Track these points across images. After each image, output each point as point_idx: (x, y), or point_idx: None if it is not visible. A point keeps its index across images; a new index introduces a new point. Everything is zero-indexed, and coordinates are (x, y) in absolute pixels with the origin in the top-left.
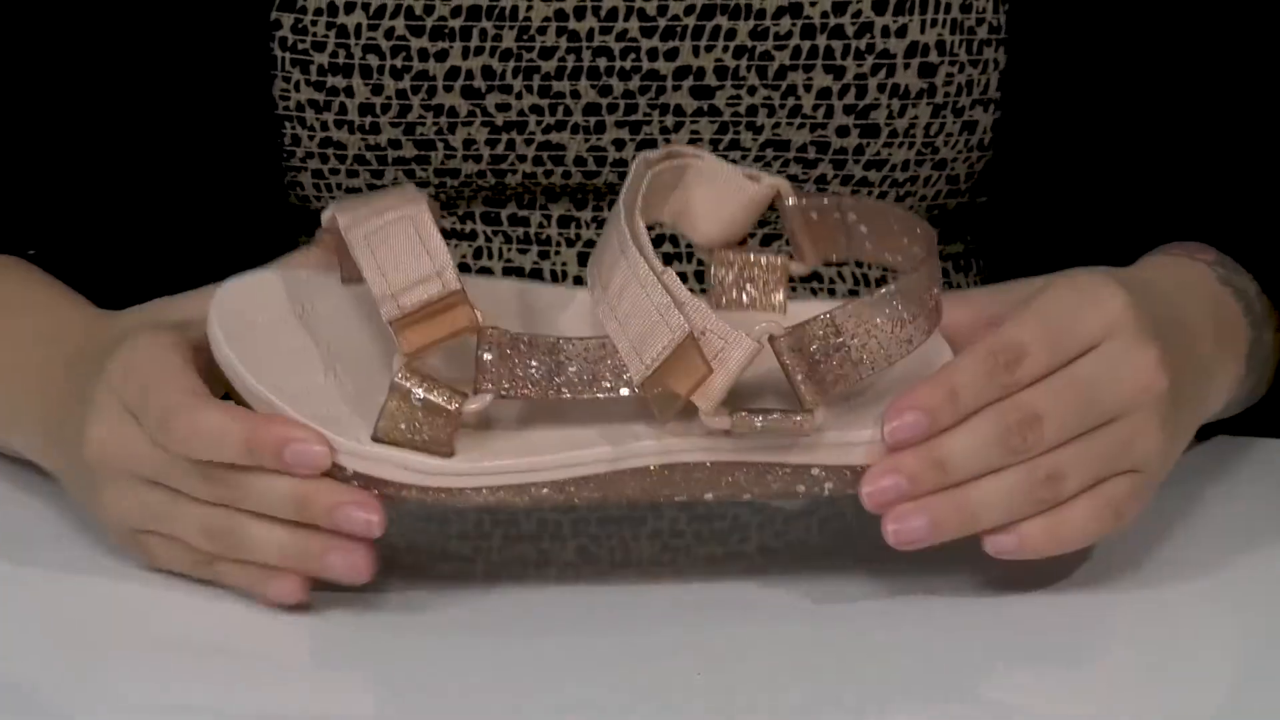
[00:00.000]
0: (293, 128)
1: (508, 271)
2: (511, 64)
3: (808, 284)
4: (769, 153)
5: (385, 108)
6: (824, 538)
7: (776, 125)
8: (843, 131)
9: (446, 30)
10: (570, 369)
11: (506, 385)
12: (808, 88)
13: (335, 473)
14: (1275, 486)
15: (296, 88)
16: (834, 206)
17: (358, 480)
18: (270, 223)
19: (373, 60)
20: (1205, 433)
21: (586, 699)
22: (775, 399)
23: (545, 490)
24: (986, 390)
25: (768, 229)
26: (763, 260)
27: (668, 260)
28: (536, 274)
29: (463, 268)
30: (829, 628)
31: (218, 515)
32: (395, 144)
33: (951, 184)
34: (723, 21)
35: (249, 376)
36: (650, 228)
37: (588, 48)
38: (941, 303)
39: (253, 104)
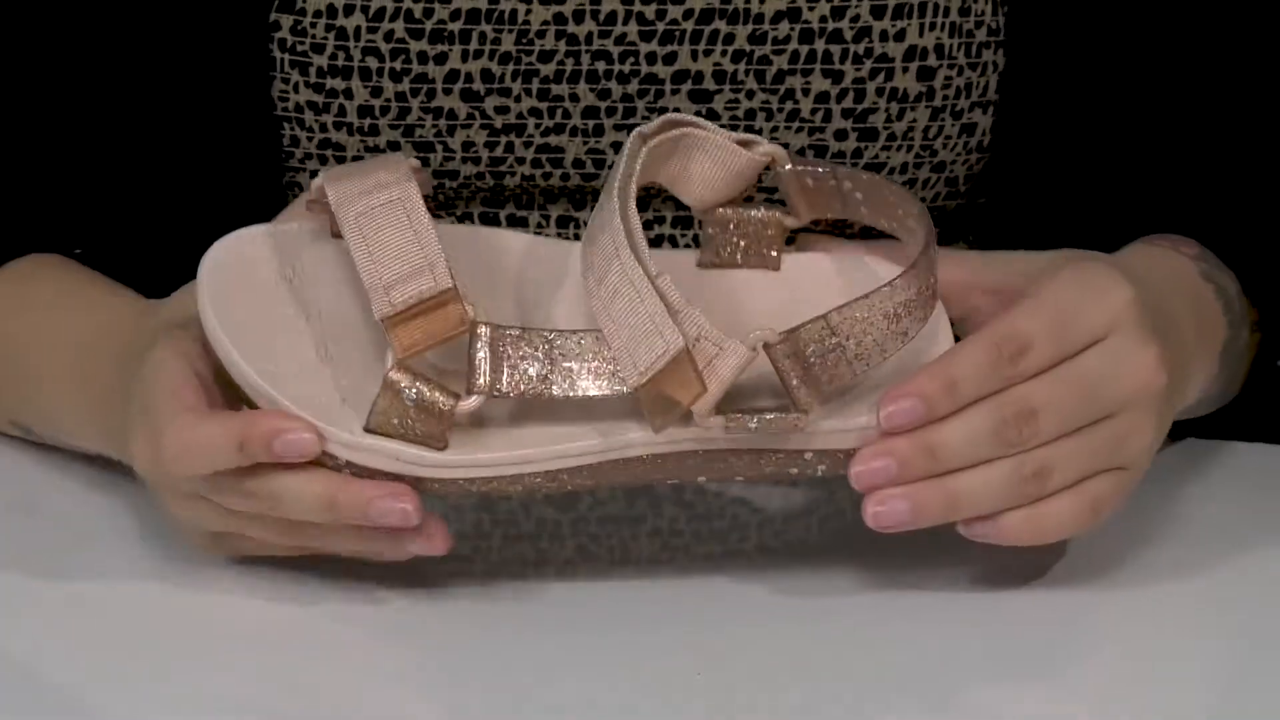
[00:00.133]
0: (292, 129)
1: None
2: (510, 67)
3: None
4: None
5: (384, 110)
6: (823, 537)
7: (775, 129)
8: (841, 135)
9: (446, 33)
10: (565, 364)
11: (500, 385)
12: (806, 92)
13: (326, 461)
14: (1249, 490)
15: (295, 89)
16: (830, 175)
17: (350, 469)
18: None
19: (372, 63)
20: (1176, 433)
21: (586, 698)
22: (769, 395)
23: (538, 479)
24: (987, 382)
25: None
26: (758, 216)
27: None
28: None
29: None
30: (828, 627)
31: (281, 522)
32: (394, 146)
33: (950, 186)
34: (721, 26)
35: (241, 361)
36: (644, 188)
37: (586, 51)
38: (938, 287)
39: (252, 105)
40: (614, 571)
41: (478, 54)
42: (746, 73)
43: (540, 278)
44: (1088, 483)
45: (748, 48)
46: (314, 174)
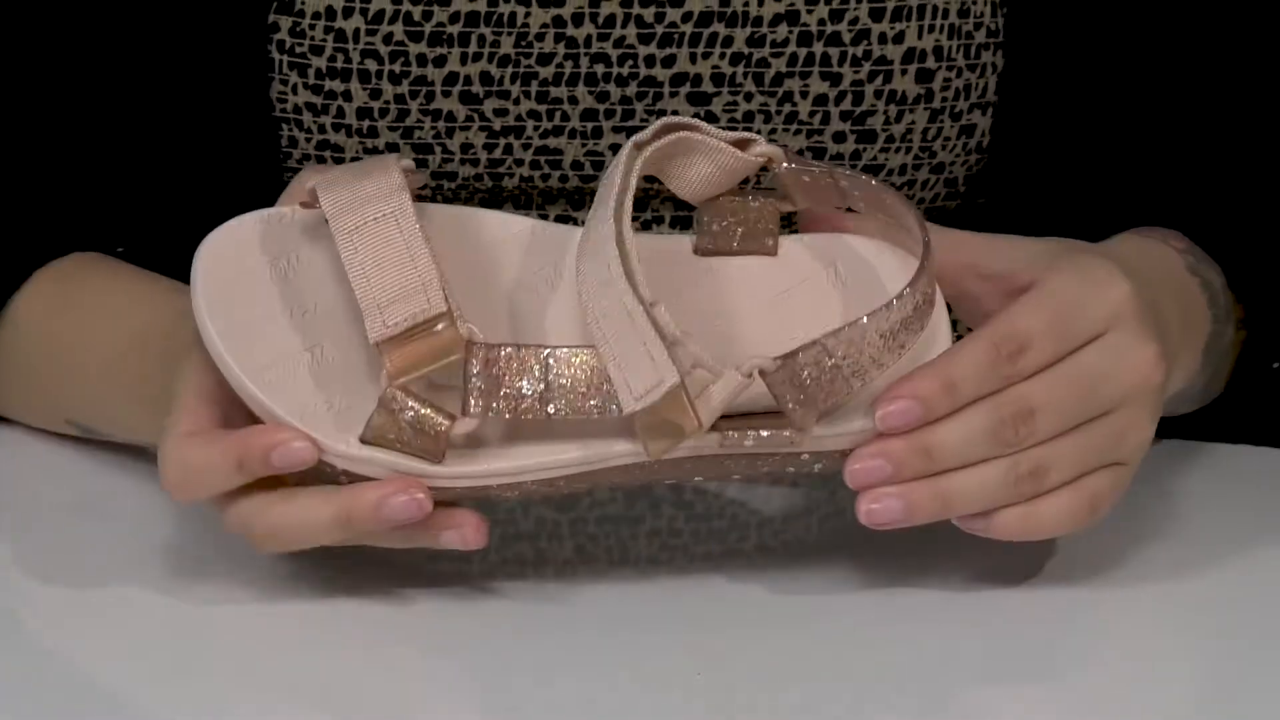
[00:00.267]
0: (290, 130)
1: None
2: (509, 70)
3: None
4: None
5: (383, 112)
6: (822, 537)
7: (773, 132)
8: (839, 138)
9: (445, 36)
10: (561, 382)
11: (495, 406)
12: (804, 95)
13: (324, 468)
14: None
15: (294, 90)
16: (827, 173)
17: (347, 477)
18: None
19: (371, 65)
20: (1159, 432)
21: (586, 698)
22: (768, 400)
23: (535, 485)
24: (986, 382)
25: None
26: (754, 205)
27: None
28: None
29: None
30: (827, 627)
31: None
32: (393, 147)
33: (949, 187)
34: (720, 29)
35: (237, 370)
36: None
37: (585, 54)
38: (935, 295)
39: (250, 106)
40: (613, 571)
41: (477, 56)
42: (745, 75)
43: (537, 266)
44: (1085, 480)
45: (746, 50)
46: None
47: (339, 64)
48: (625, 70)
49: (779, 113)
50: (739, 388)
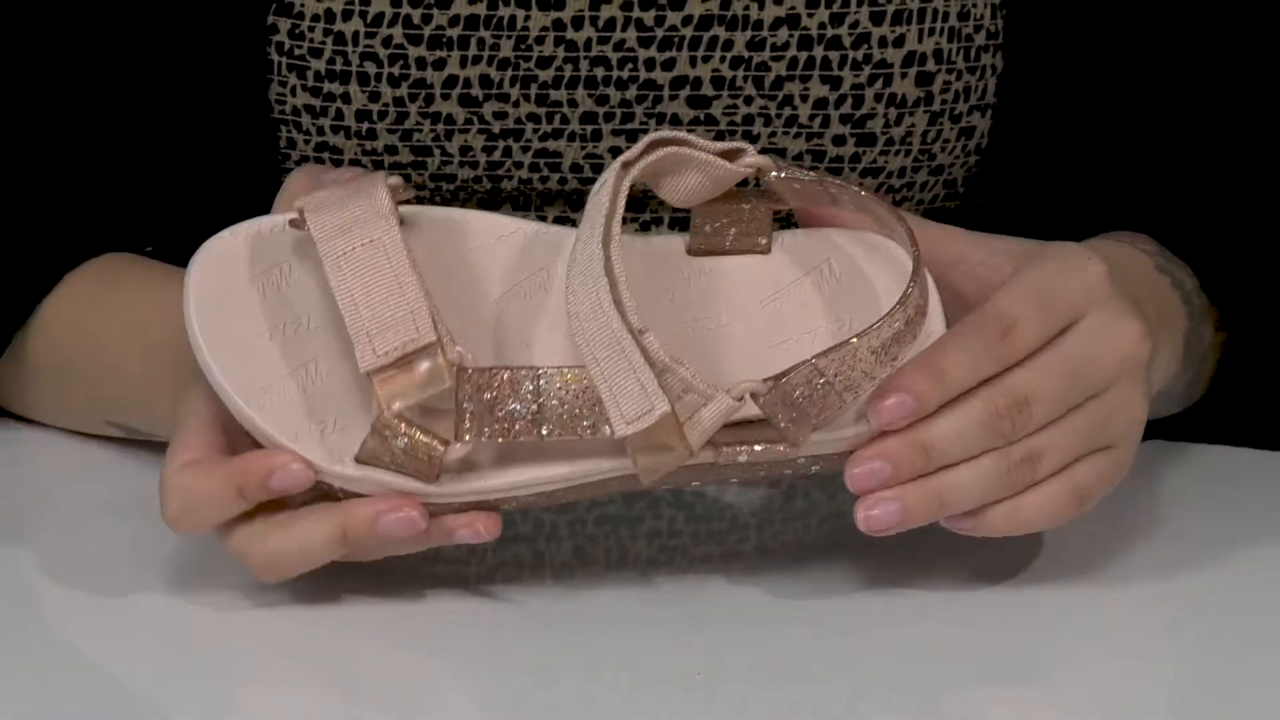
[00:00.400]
0: (288, 131)
1: None
2: (509, 73)
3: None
4: None
5: (382, 114)
6: (821, 538)
7: (773, 135)
8: (839, 140)
9: (444, 39)
10: (553, 404)
11: (488, 430)
12: (804, 98)
13: (322, 485)
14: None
15: (293, 92)
16: (816, 181)
17: (342, 495)
18: None
19: (370, 68)
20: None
21: (586, 698)
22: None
23: (531, 498)
24: (977, 367)
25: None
26: (747, 207)
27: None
28: None
29: None
30: (827, 627)
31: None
32: (392, 150)
33: (949, 188)
34: (720, 32)
35: (232, 393)
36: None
37: (585, 57)
38: (928, 305)
39: (248, 107)
40: (613, 572)
41: (476, 60)
42: (745, 79)
43: (528, 271)
44: (1070, 470)
45: (746, 54)
46: None
47: (338, 66)
48: (625, 73)
49: (779, 116)
50: (729, 410)
